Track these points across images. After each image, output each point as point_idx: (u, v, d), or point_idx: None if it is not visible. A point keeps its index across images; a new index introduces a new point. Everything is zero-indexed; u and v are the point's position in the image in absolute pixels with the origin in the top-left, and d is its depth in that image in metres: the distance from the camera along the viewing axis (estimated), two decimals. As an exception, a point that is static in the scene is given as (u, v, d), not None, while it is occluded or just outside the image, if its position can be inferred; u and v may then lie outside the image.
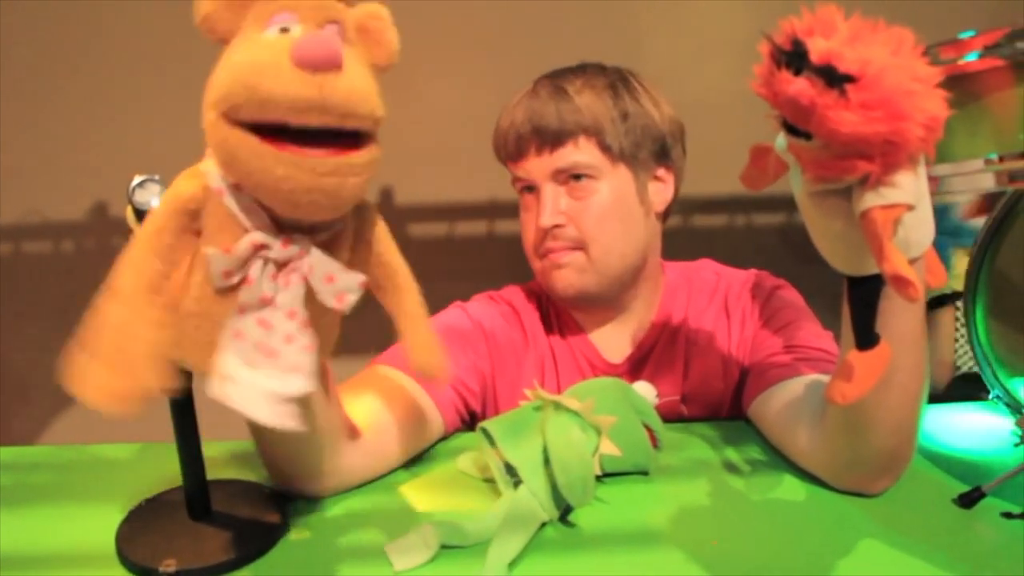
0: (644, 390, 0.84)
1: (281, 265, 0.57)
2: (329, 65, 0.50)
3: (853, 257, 0.62)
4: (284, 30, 0.53)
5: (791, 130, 0.56)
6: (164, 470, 0.77)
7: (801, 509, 0.76)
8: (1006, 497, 0.75)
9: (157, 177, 0.64)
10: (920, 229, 0.61)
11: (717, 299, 1.05)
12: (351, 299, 0.58)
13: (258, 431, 0.74)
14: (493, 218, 1.53)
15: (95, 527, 0.73)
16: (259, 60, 0.51)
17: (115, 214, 1.54)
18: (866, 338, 0.62)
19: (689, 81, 1.46)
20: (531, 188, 1.00)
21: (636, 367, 1.04)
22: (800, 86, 0.52)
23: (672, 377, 1.03)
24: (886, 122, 0.51)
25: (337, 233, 0.60)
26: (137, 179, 0.64)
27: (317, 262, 0.57)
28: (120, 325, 0.56)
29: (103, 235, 1.55)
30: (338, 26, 0.55)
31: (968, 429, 0.93)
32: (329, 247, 0.59)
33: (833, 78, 0.51)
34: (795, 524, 0.74)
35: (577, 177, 0.97)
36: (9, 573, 0.68)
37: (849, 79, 0.50)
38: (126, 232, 0.65)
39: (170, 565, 0.66)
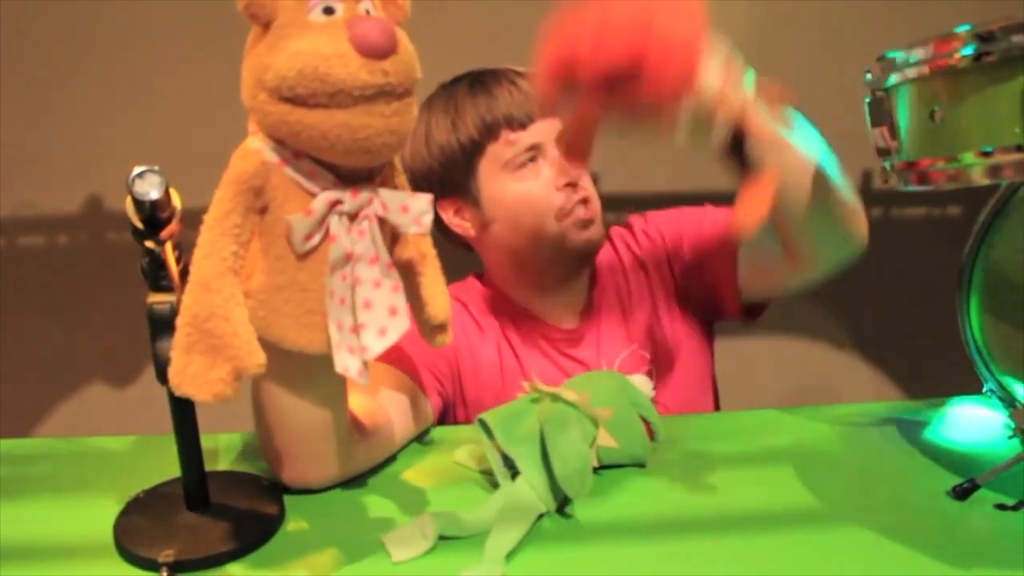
0: (641, 383, 0.85)
1: (351, 218, 0.60)
2: (390, 51, 0.55)
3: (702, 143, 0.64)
4: (328, 10, 0.56)
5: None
6: (162, 461, 0.77)
7: (796, 501, 0.77)
8: (1000, 489, 0.75)
9: (157, 168, 0.64)
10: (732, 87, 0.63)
11: (624, 251, 1.14)
12: (428, 219, 0.63)
13: (271, 415, 0.73)
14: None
15: (93, 518, 0.73)
16: (324, 51, 0.54)
17: (109, 207, 1.54)
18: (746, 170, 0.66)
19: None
20: (531, 157, 1.02)
21: (587, 328, 1.09)
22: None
23: (624, 330, 1.09)
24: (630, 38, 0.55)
25: (385, 177, 0.65)
26: (137, 170, 0.64)
27: (388, 198, 0.62)
28: (209, 312, 0.58)
29: (97, 228, 1.55)
30: None
31: (962, 422, 0.93)
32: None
33: None
34: (790, 517, 0.74)
35: None
36: (7, 565, 0.68)
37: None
38: (121, 225, 0.65)
39: (168, 556, 0.66)
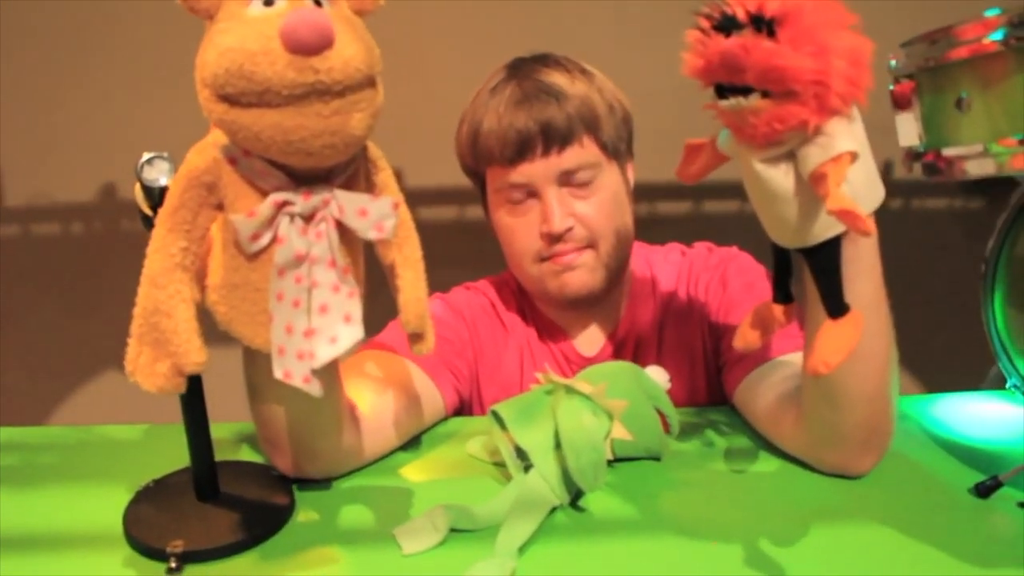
0: (656, 375, 0.83)
1: (307, 219, 0.58)
2: (321, 47, 0.50)
3: (807, 223, 0.62)
4: (268, 2, 0.53)
5: (729, 91, 0.58)
6: (172, 451, 0.76)
7: (816, 496, 0.76)
8: (1023, 487, 0.74)
9: (166, 154, 0.64)
10: (868, 185, 0.62)
11: (681, 287, 1.04)
12: (390, 224, 0.59)
13: (261, 405, 0.73)
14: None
15: (102, 508, 0.73)
16: (250, 48, 0.51)
17: (123, 195, 1.54)
18: (837, 306, 0.63)
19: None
20: (521, 191, 0.94)
21: (608, 359, 1.02)
22: (734, 40, 0.56)
23: (649, 361, 0.99)
24: (814, 56, 0.54)
25: (351, 177, 0.61)
26: (145, 156, 0.64)
27: (345, 201, 0.58)
28: (154, 307, 0.58)
29: (112, 217, 1.55)
30: None
31: (985, 418, 0.91)
32: (346, 189, 0.60)
33: (761, 23, 0.55)
34: (809, 511, 0.73)
35: (580, 176, 0.93)
36: (17, 553, 0.68)
37: (775, 21, 0.55)
38: (135, 213, 0.65)
39: (178, 546, 0.65)
